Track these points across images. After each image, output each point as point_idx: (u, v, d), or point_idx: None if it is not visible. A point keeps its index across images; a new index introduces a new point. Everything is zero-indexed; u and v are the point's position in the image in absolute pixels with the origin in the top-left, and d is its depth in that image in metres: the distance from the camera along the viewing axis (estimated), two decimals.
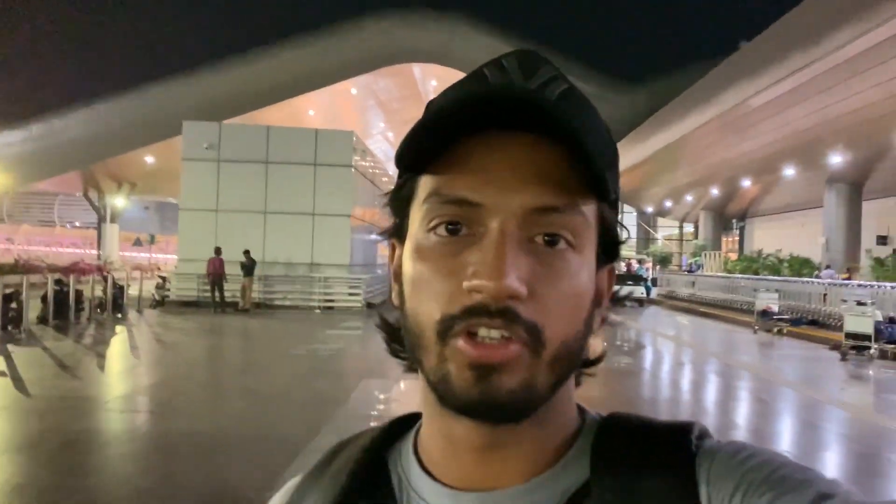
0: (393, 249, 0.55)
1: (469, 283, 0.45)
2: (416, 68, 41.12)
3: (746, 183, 30.52)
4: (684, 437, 0.50)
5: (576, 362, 0.50)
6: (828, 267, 22.82)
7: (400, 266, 0.53)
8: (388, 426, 0.59)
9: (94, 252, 43.14)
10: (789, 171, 25.52)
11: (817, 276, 20.88)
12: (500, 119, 0.45)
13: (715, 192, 33.58)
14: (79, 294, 15.50)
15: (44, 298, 14.51)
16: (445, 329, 0.46)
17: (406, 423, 0.58)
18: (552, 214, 0.47)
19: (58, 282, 14.96)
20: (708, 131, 25.08)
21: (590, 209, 0.49)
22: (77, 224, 65.05)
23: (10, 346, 11.42)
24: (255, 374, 9.86)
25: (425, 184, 0.49)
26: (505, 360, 0.45)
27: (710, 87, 24.27)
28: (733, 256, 33.91)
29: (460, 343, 0.45)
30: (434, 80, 42.07)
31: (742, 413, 8.44)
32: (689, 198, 37.39)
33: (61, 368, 9.90)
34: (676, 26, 28.95)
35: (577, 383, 0.55)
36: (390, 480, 0.55)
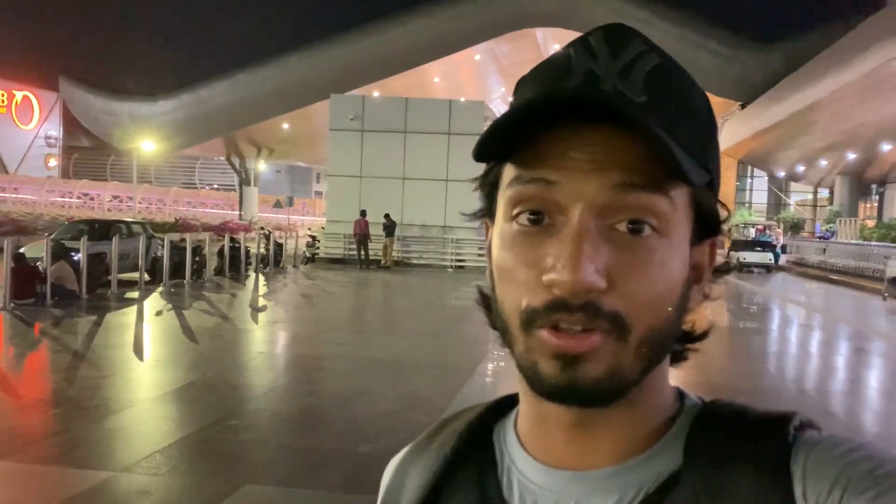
0: (487, 229, 0.57)
1: (547, 276, 0.47)
2: (539, 32, 41.73)
3: (887, 147, 29.50)
4: (782, 428, 0.50)
5: (667, 346, 0.51)
6: None
7: (491, 246, 0.54)
8: (495, 403, 0.61)
9: (236, 213, 47.25)
10: None
11: None
12: (581, 112, 0.47)
13: (852, 156, 32.59)
14: (247, 251, 17.99)
15: (220, 253, 17.04)
16: (529, 320, 0.48)
17: (511, 401, 0.60)
18: (633, 193, 0.47)
19: (231, 239, 17.45)
20: (847, 94, 24.60)
21: (678, 192, 0.49)
22: (216, 186, 70.69)
23: (205, 292, 13.87)
24: (412, 319, 11.70)
25: (508, 171, 0.51)
26: (589, 350, 0.47)
27: (849, 47, 23.78)
28: (871, 224, 32.90)
29: (544, 334, 0.47)
30: (557, 43, 42.60)
31: (853, 372, 9.36)
32: (823, 162, 36.32)
33: (255, 310, 12.16)
34: None
35: (684, 357, 0.56)
36: (494, 454, 0.58)
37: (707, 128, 0.52)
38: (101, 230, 15.56)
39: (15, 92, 57.35)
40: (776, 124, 30.57)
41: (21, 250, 12.46)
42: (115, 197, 48.29)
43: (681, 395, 0.56)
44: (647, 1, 33.77)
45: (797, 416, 0.51)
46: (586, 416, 0.51)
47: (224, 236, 18.73)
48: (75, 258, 12.24)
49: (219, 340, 9.13)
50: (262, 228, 24.00)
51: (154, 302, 12.35)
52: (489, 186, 0.55)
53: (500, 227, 0.51)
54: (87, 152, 70.38)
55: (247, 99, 39.52)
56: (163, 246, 14.72)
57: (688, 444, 0.51)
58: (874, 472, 0.45)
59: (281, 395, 6.64)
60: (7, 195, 47.17)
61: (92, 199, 48.00)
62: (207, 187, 67.70)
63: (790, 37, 32.80)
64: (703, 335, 0.55)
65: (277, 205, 37.96)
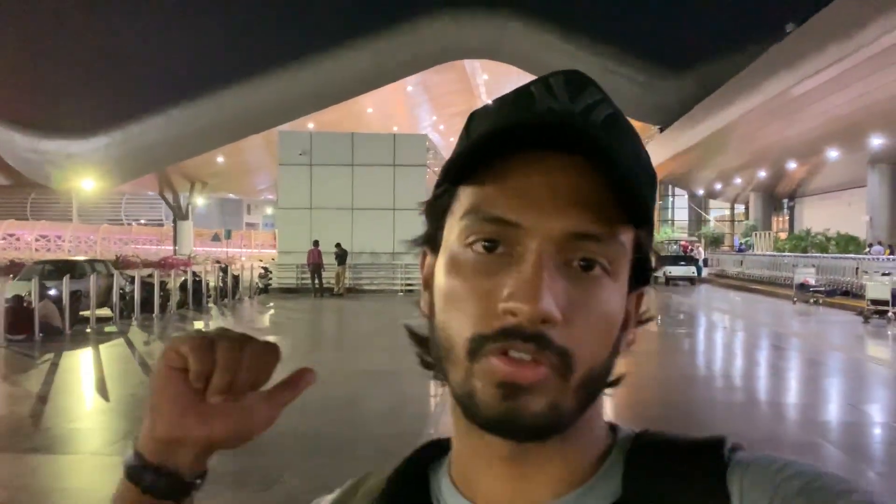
0: (424, 257, 0.58)
1: (505, 304, 0.47)
2: (468, 63, 43.89)
3: (793, 165, 32.61)
4: (716, 450, 0.52)
5: (602, 386, 0.52)
6: (879, 243, 24.97)
7: (431, 275, 0.55)
8: (422, 448, 0.60)
9: (170, 248, 47.29)
10: (833, 154, 27.66)
11: (867, 253, 23.16)
12: (542, 140, 0.47)
13: (763, 174, 35.70)
14: (207, 284, 18.92)
15: (182, 287, 17.93)
16: (476, 348, 0.48)
17: (440, 447, 0.59)
18: (590, 242, 0.48)
19: (193, 273, 18.37)
20: (754, 117, 27.34)
21: (627, 236, 0.50)
22: (143, 221, 69.86)
23: (178, 324, 14.83)
24: (380, 336, 13.04)
25: (464, 198, 0.51)
26: (534, 382, 0.47)
27: (756, 74, 26.51)
28: (783, 236, 36.01)
29: (493, 361, 0.47)
30: (486, 74, 44.88)
31: (766, 361, 11.25)
32: (738, 180, 39.47)
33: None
34: (723, 12, 31.18)
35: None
36: (428, 501, 0.56)
37: (652, 177, 0.54)
38: (66, 269, 16.27)
39: None
40: (693, 146, 33.37)
41: None
42: (42, 237, 47.65)
43: (612, 427, 0.57)
44: (569, 34, 36.25)
45: (728, 439, 0.53)
46: (522, 449, 0.51)
47: (173, 272, 19.56)
48: (52, 295, 13.06)
49: None
50: (219, 262, 24.81)
51: (136, 335, 13.28)
52: (439, 211, 0.54)
53: (452, 251, 0.51)
54: (4, 190, 68.64)
55: (182, 134, 40.09)
56: (130, 282, 15.59)
57: (626, 473, 0.52)
58: (807, 486, 0.47)
59: (297, 403, 7.89)
60: None
61: (17, 238, 47.22)
62: (134, 223, 66.85)
63: (702, 64, 35.77)
64: (617, 381, 0.55)
65: (216, 238, 38.52)
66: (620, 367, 0.55)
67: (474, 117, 0.55)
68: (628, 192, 0.47)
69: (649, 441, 0.55)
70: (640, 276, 0.54)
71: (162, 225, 66.62)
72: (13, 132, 41.16)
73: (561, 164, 0.48)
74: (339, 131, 29.59)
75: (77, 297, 13.84)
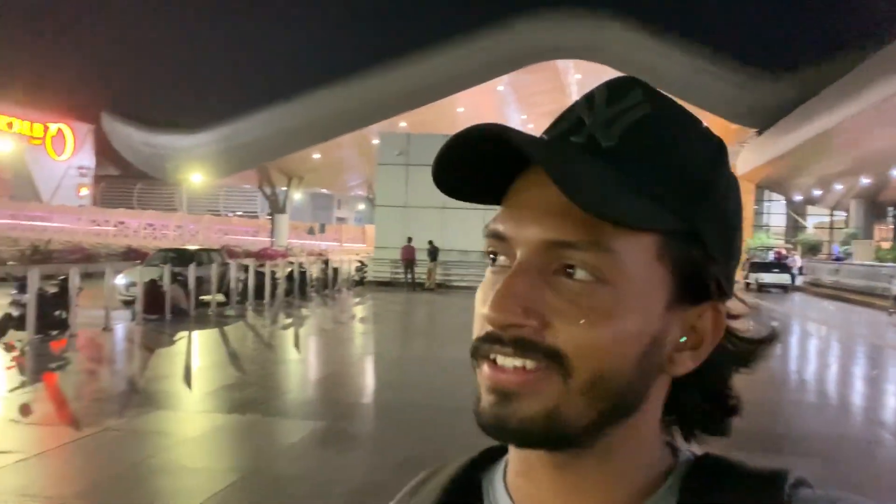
0: None
1: (481, 311, 0.50)
2: (560, 62, 44.29)
3: None
4: (777, 485, 0.50)
5: (627, 398, 0.50)
6: None
7: None
8: (480, 455, 0.61)
9: (266, 239, 49.83)
10: None
11: None
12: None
13: (866, 180, 34.70)
14: (309, 275, 20.36)
15: (290, 277, 19.39)
16: (474, 351, 0.51)
17: (500, 451, 0.60)
18: (568, 249, 0.49)
19: (300, 265, 19.85)
20: (857, 123, 26.79)
21: (626, 242, 0.49)
22: (239, 213, 73.48)
23: (290, 310, 16.23)
24: (470, 331, 14.03)
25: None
26: (521, 386, 0.48)
27: (859, 79, 26.00)
28: (886, 245, 34.87)
29: (484, 367, 0.50)
30: (579, 73, 45.19)
31: (859, 371, 11.54)
32: (838, 186, 38.42)
33: (343, 323, 14.51)
34: (823, 15, 30.59)
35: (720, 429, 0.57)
36: None
37: (697, 180, 0.51)
38: (187, 257, 17.97)
39: (49, 124, 60.53)
40: (791, 151, 32.82)
41: (120, 276, 14.88)
42: (149, 225, 50.98)
43: (674, 449, 0.56)
44: (662, 33, 36.21)
45: (791, 473, 0.51)
46: (558, 460, 0.52)
47: (281, 261, 21.09)
48: (180, 280, 14.62)
49: (338, 344, 11.48)
50: (320, 254, 26.43)
51: (253, 318, 14.74)
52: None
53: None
54: (114, 181, 73.51)
55: (281, 131, 42.21)
56: (244, 271, 17.13)
57: (681, 499, 0.52)
58: None
59: (406, 380, 8.95)
60: (46, 224, 50.02)
61: (126, 226, 50.76)
62: (231, 214, 70.43)
63: (802, 67, 35.07)
64: (733, 410, 0.55)
65: (311, 231, 40.45)
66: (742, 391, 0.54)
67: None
68: (581, 204, 0.46)
69: (708, 468, 0.54)
70: (700, 287, 0.52)
71: (257, 217, 69.87)
72: (130, 127, 44.46)
73: (542, 178, 0.49)
74: (433, 132, 30.73)
75: (200, 283, 15.41)
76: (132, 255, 31.00)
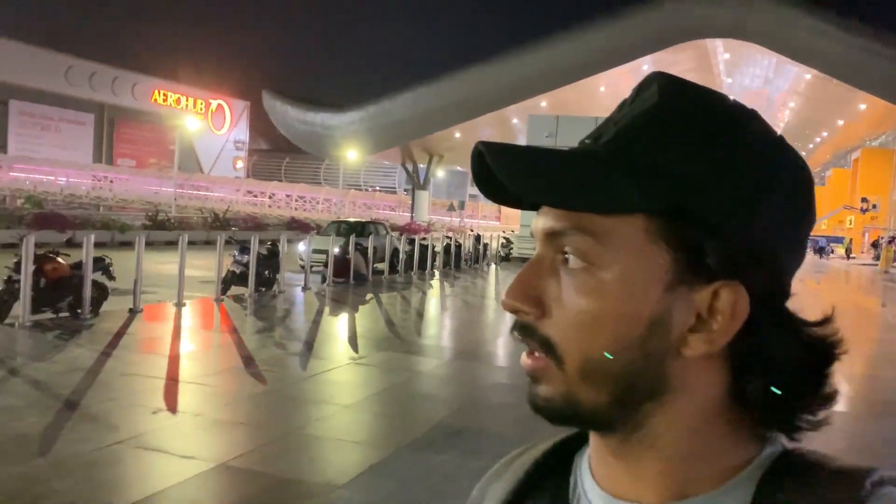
0: None
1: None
2: (709, 41, 43.57)
3: None
4: (857, 483, 0.49)
5: (638, 384, 0.51)
6: None
7: None
8: (576, 433, 0.62)
9: (406, 214, 52.41)
10: None
11: None
12: None
13: None
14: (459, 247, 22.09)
15: (446, 250, 21.16)
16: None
17: None
18: (558, 237, 0.52)
19: (455, 239, 21.60)
20: None
21: (615, 227, 0.50)
22: (377, 188, 76.98)
23: (450, 278, 18.00)
24: None
25: None
26: (535, 371, 0.53)
27: None
28: None
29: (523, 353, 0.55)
30: (728, 53, 44.33)
31: None
32: None
33: (499, 294, 16.09)
34: None
35: (801, 426, 0.53)
36: (569, 481, 0.60)
37: (690, 160, 0.51)
38: (357, 228, 20.09)
39: (211, 101, 65.88)
40: None
41: (301, 244, 17.03)
42: (300, 197, 54.74)
43: (763, 441, 0.54)
44: (819, 9, 34.93)
45: (878, 471, 0.50)
46: (613, 445, 0.54)
47: (437, 235, 22.89)
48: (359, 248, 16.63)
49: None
50: (472, 231, 28.23)
51: (422, 284, 16.58)
52: None
53: None
54: (264, 155, 78.82)
55: (426, 111, 44.19)
56: (409, 243, 19.02)
57: (758, 490, 0.51)
58: None
59: None
60: (209, 193, 54.81)
61: (278, 198, 54.75)
62: (371, 189, 73.90)
63: None
64: (829, 398, 0.53)
65: (451, 208, 42.36)
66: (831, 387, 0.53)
67: None
68: (532, 196, 0.51)
69: (790, 464, 0.53)
70: (699, 269, 0.51)
71: (395, 192, 72.98)
72: (287, 105, 47.96)
73: None
74: (577, 114, 31.61)
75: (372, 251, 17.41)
76: (294, 226, 34.03)
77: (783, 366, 0.52)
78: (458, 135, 47.99)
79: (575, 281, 0.51)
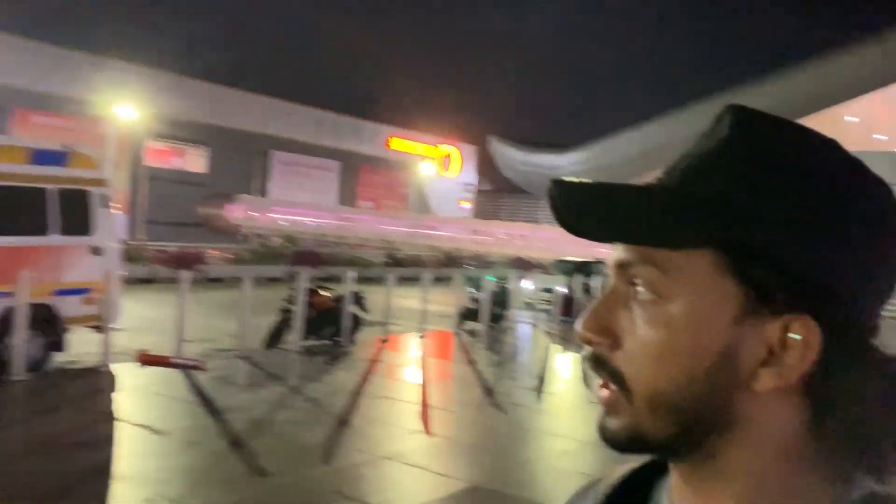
0: None
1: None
2: None
3: None
4: None
5: (703, 416, 0.51)
6: None
7: None
8: (650, 461, 0.61)
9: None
10: None
11: None
12: None
13: None
14: None
15: None
16: None
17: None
18: (628, 268, 0.53)
19: None
20: None
21: (682, 258, 0.51)
22: None
23: None
24: None
25: None
26: (606, 402, 0.54)
27: None
28: None
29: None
30: None
31: None
32: None
33: None
34: None
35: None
36: None
37: (761, 194, 0.50)
38: (581, 267, 20.23)
39: (442, 146, 69.95)
40: None
41: (526, 281, 17.43)
42: (522, 236, 56.08)
43: (849, 481, 0.51)
44: None
45: None
46: (685, 474, 0.55)
47: None
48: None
49: None
50: None
51: None
52: None
53: None
54: (485, 195, 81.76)
55: (650, 149, 43.50)
56: None
57: None
58: None
59: None
60: (436, 232, 57.93)
61: (500, 236, 56.34)
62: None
63: None
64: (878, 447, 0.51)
65: None
66: None
67: None
68: (587, 235, 0.54)
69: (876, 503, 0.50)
70: (770, 301, 0.50)
71: None
72: (512, 148, 49.72)
73: None
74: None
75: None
76: (519, 264, 34.91)
77: (866, 403, 0.49)
78: None
79: (644, 313, 0.52)
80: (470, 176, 77.01)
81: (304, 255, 24.49)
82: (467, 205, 75.43)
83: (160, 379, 7.50)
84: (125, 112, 30.66)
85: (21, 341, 6.93)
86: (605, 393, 0.53)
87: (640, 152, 43.80)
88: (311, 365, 9.17)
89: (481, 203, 79.44)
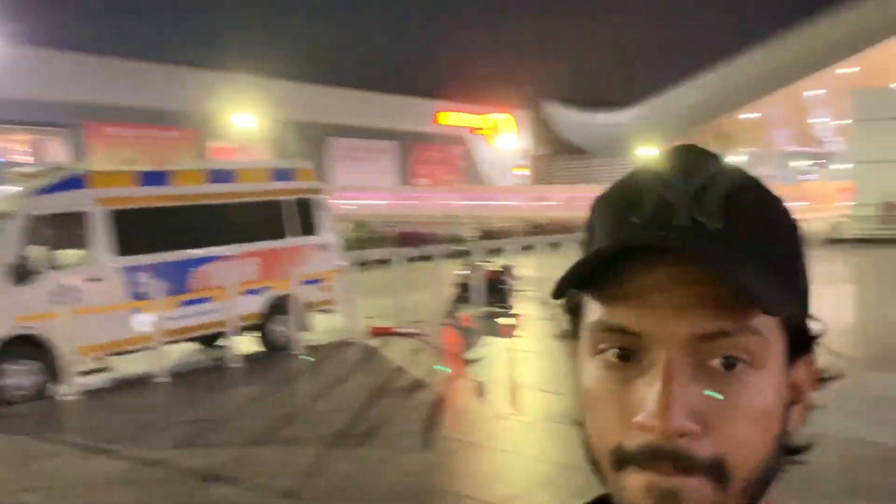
0: (571, 349, 0.57)
1: (638, 419, 0.47)
2: None
3: None
4: None
5: (769, 478, 0.51)
6: None
7: (576, 370, 0.55)
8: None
9: None
10: None
11: None
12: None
13: None
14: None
15: None
16: (619, 461, 0.49)
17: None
18: (721, 339, 0.48)
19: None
20: None
21: (767, 322, 0.49)
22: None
23: None
24: None
25: (590, 306, 0.52)
26: (683, 489, 0.47)
27: None
28: None
29: (640, 477, 0.48)
30: None
31: None
32: None
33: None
34: None
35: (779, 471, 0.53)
36: None
37: (790, 245, 0.52)
38: None
39: (491, 115, 70.32)
40: None
41: None
42: (580, 197, 56.44)
43: None
44: None
45: None
46: None
47: None
48: None
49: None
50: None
51: None
52: (570, 311, 0.56)
53: (586, 358, 0.52)
54: (538, 160, 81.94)
55: (710, 96, 43.49)
56: None
57: None
58: None
59: None
60: (498, 203, 58.50)
61: (561, 201, 56.72)
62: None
63: None
64: (805, 448, 0.54)
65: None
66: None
67: (597, 205, 0.56)
68: (750, 297, 0.46)
69: None
70: (800, 345, 0.53)
71: None
72: (570, 110, 50.08)
73: (674, 262, 0.48)
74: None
75: None
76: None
77: None
78: (751, 115, 46.35)
79: (744, 385, 0.49)
80: (523, 142, 77.23)
81: (408, 235, 25.65)
82: (524, 171, 75.77)
83: (392, 344, 9.08)
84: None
85: (293, 326, 8.64)
86: (686, 481, 0.48)
87: (703, 99, 43.78)
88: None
89: (538, 168, 79.71)
